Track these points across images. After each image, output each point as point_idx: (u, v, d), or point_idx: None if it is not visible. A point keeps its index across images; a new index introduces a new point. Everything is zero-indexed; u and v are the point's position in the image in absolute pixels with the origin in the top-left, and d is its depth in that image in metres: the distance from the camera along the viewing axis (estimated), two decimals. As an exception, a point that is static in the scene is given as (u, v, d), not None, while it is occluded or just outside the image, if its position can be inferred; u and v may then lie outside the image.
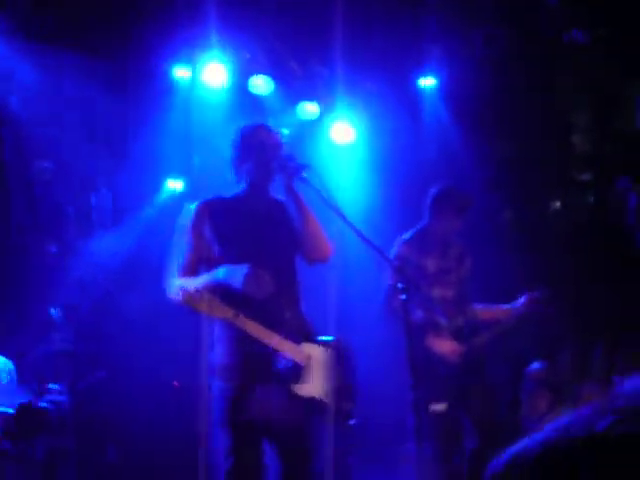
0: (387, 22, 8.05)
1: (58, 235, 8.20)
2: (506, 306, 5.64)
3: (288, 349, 3.89)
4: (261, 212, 4.12)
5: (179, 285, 3.83)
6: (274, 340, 3.85)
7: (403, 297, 3.79)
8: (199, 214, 4.06)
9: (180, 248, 4.02)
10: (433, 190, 5.66)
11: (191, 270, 3.96)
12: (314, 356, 3.99)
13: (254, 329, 3.82)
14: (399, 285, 3.81)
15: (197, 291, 3.70)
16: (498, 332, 5.50)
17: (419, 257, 5.45)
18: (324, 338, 4.11)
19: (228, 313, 3.79)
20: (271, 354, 3.87)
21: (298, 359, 3.92)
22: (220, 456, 3.87)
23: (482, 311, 5.66)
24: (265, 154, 4.02)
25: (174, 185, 8.59)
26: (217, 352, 3.98)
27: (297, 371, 3.91)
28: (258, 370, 3.88)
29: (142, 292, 7.73)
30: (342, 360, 4.11)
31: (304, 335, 4.03)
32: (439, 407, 5.14)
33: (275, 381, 3.89)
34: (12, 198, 7.91)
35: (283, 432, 3.95)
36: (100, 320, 7.86)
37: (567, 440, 1.61)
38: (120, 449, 7.31)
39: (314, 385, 3.96)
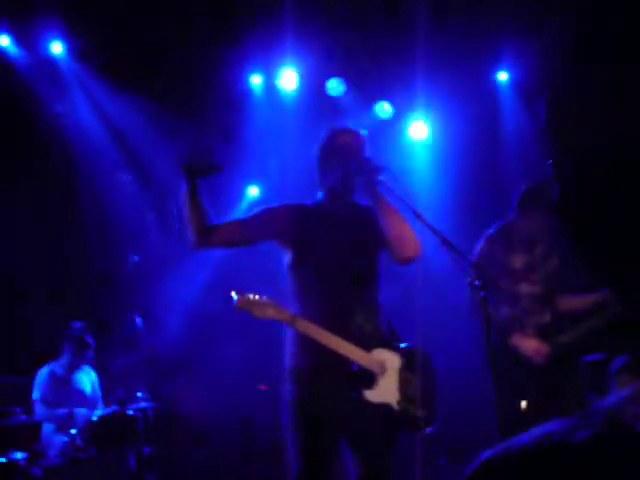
0: (461, 18, 7.97)
1: (141, 245, 8.35)
2: (594, 295, 5.52)
3: (356, 355, 3.85)
4: (342, 217, 4.09)
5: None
6: (340, 345, 3.82)
7: (482, 294, 3.73)
8: (276, 211, 4.08)
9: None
10: (522, 186, 5.57)
11: (223, 227, 4.04)
12: (388, 363, 3.94)
13: (317, 334, 3.80)
14: (477, 282, 3.76)
15: (254, 298, 3.71)
16: (585, 330, 5.38)
17: (505, 253, 5.38)
18: (402, 345, 4.07)
19: (285, 316, 3.79)
20: (342, 358, 3.85)
21: (368, 366, 3.88)
22: (291, 460, 3.85)
23: (573, 302, 5.55)
24: (347, 157, 4.01)
25: (253, 192, 8.68)
26: (287, 354, 3.97)
27: (368, 377, 3.88)
28: (329, 374, 3.84)
29: (227, 298, 7.81)
30: (419, 367, 4.05)
31: (379, 341, 3.97)
32: (522, 405, 5.05)
33: (347, 385, 3.86)
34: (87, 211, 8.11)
35: (356, 436, 3.92)
36: (184, 326, 7.98)
37: (542, 447, 1.59)
38: (203, 455, 7.38)
39: (387, 392, 3.91)
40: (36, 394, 6.84)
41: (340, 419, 3.85)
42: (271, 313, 3.75)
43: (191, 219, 3.94)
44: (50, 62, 7.80)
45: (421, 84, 8.29)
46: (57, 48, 7.72)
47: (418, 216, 3.83)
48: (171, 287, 8.25)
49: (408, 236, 3.98)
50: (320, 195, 4.15)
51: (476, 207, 7.89)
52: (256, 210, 4.13)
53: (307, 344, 3.86)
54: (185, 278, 8.31)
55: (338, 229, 4.05)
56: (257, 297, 3.75)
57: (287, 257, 4.05)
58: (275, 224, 4.03)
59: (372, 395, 3.88)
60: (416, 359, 4.05)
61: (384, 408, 3.91)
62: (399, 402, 3.95)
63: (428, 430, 4.06)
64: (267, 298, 3.76)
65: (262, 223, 4.04)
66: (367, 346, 3.91)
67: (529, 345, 5.23)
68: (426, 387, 4.06)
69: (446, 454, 7.93)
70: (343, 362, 3.83)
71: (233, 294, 3.75)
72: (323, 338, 3.81)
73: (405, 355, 4.02)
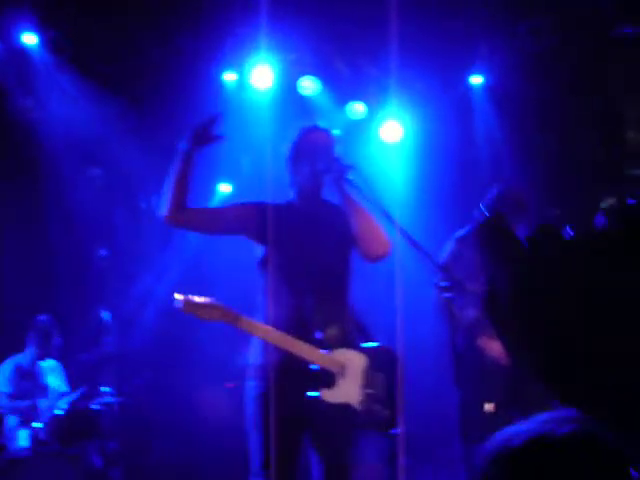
0: (435, 20, 8.00)
1: (108, 239, 8.29)
2: None
3: (311, 356, 3.85)
4: (311, 216, 4.10)
5: None
6: (292, 345, 3.81)
7: (447, 295, 3.75)
8: (248, 206, 4.09)
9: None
10: (492, 190, 5.60)
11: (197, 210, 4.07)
12: (349, 363, 3.94)
13: (263, 333, 3.80)
14: (443, 284, 3.77)
15: (199, 300, 3.69)
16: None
17: (474, 255, 5.40)
18: (366, 345, 4.06)
19: (230, 317, 3.76)
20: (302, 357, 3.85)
21: (326, 366, 3.88)
22: (251, 455, 3.86)
23: None
24: (316, 156, 4.01)
25: (224, 189, 8.65)
26: (250, 352, 3.97)
27: (327, 377, 3.87)
28: (289, 371, 3.84)
29: (199, 288, 7.78)
30: (384, 367, 4.05)
31: (343, 341, 3.95)
32: (488, 407, 5.08)
33: (305, 384, 3.85)
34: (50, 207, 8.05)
35: (317, 435, 3.93)
36: (148, 321, 7.95)
37: (527, 439, 1.62)
38: (167, 451, 7.36)
39: (347, 392, 3.91)
40: (0, 386, 6.79)
41: (300, 417, 3.85)
42: (217, 315, 3.73)
43: (174, 190, 3.98)
44: (20, 53, 7.71)
45: (395, 85, 8.30)
46: (30, 39, 7.63)
47: (387, 216, 3.84)
48: (139, 282, 8.22)
49: (376, 234, 3.99)
50: (291, 194, 4.16)
51: (447, 208, 7.92)
52: (230, 203, 4.17)
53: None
54: (153, 273, 8.28)
55: (308, 228, 4.05)
56: (202, 299, 3.73)
57: (256, 253, 4.04)
58: (246, 219, 4.03)
59: (330, 395, 3.87)
60: (382, 359, 4.05)
61: (344, 408, 3.91)
62: (361, 402, 3.94)
63: (393, 430, 4.06)
64: (213, 300, 3.74)
65: (233, 216, 4.06)
66: (328, 347, 3.90)
67: (495, 347, 5.25)
68: (392, 387, 4.06)
69: (411, 454, 7.94)
70: (303, 361, 3.83)
71: (176, 296, 3.72)
72: (273, 339, 3.80)
73: (371, 355, 4.02)
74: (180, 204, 3.97)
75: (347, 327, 4.02)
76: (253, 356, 3.96)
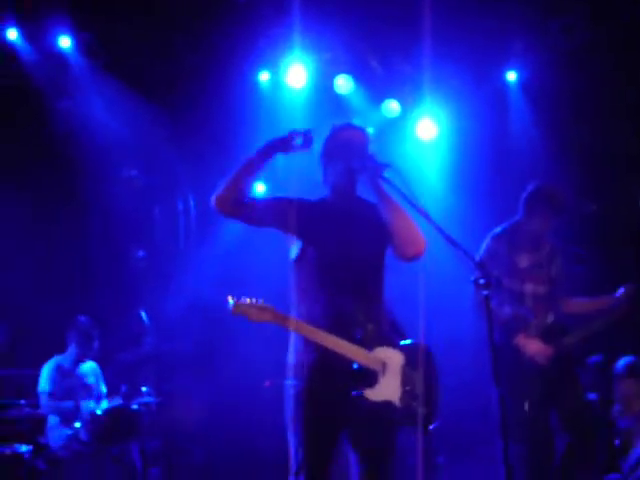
0: (469, 17, 7.96)
1: (146, 240, 8.37)
2: (605, 297, 5.52)
3: (355, 355, 3.84)
4: (346, 213, 4.07)
5: None
6: (337, 345, 3.80)
7: (485, 293, 3.73)
8: (287, 201, 4.03)
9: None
10: (531, 187, 5.58)
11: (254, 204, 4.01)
12: (389, 361, 3.93)
13: (312, 334, 3.79)
14: (481, 281, 3.75)
15: (250, 302, 3.70)
16: (589, 332, 5.39)
17: (510, 252, 5.40)
18: (404, 342, 4.06)
19: (280, 319, 3.76)
20: (344, 356, 3.85)
21: (369, 364, 3.87)
22: (292, 453, 3.84)
23: (582, 304, 5.56)
24: (350, 154, 4.00)
25: (259, 188, 8.68)
26: (291, 350, 3.96)
27: (369, 376, 3.87)
28: (330, 371, 3.83)
29: (232, 292, 7.80)
30: (422, 364, 4.04)
31: (381, 339, 3.96)
32: (527, 405, 5.07)
33: (347, 384, 3.84)
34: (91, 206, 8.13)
35: (357, 434, 3.91)
36: (188, 321, 7.99)
37: None
38: (206, 450, 7.39)
39: (388, 389, 3.90)
40: (42, 387, 6.88)
41: (340, 416, 3.85)
42: (267, 317, 3.74)
43: (241, 182, 3.93)
44: (58, 56, 7.79)
45: (429, 83, 8.30)
46: (65, 42, 7.71)
47: (423, 214, 3.82)
48: (176, 282, 8.26)
49: (412, 233, 3.97)
50: (325, 191, 4.15)
51: (483, 205, 7.89)
52: (272, 196, 4.14)
53: (310, 340, 3.85)
54: (190, 272, 8.33)
55: (344, 225, 4.04)
56: (253, 301, 3.74)
57: (292, 251, 4.05)
58: (285, 214, 4.00)
59: (373, 394, 3.87)
60: (418, 355, 4.04)
61: (386, 406, 3.91)
62: (401, 399, 3.95)
63: (430, 426, 4.06)
64: (263, 302, 3.75)
65: (275, 210, 4.03)
66: (368, 345, 3.90)
67: (533, 347, 5.24)
68: (428, 383, 4.06)
69: (445, 453, 7.93)
70: (345, 360, 3.83)
71: (229, 299, 3.74)
72: (319, 338, 3.80)
73: (407, 352, 4.01)
74: (241, 197, 3.95)
75: (384, 324, 4.02)
76: (292, 355, 3.95)
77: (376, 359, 3.90)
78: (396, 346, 4.00)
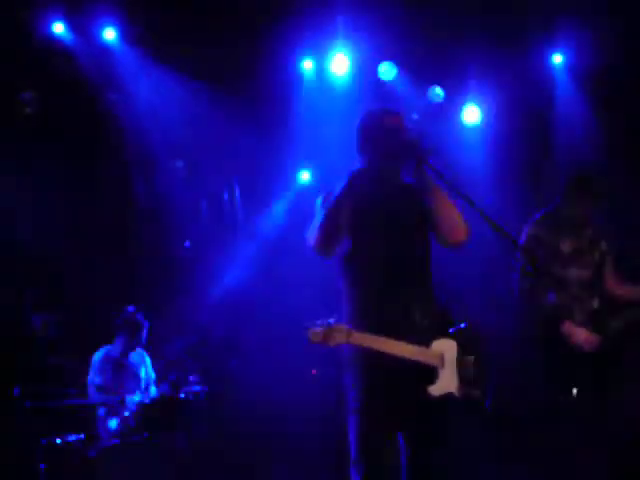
0: (515, 1, 7.88)
1: (192, 230, 8.42)
2: None
3: (417, 355, 3.80)
4: (391, 203, 4.01)
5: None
6: (398, 349, 3.75)
7: (531, 279, 3.69)
8: (346, 190, 3.88)
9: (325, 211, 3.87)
10: (572, 174, 5.52)
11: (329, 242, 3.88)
12: (446, 352, 3.90)
13: (374, 343, 3.73)
14: (527, 267, 3.71)
15: (323, 329, 3.65)
16: (636, 317, 5.31)
17: (552, 237, 5.33)
18: (455, 328, 4.02)
19: (346, 335, 3.69)
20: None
21: (430, 362, 3.84)
22: (351, 441, 3.81)
23: (631, 289, 5.49)
24: (387, 138, 3.92)
25: (304, 177, 8.71)
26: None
27: (430, 373, 3.84)
28: (393, 365, 3.75)
29: (280, 279, 7.83)
30: (472, 348, 4.01)
31: (436, 331, 3.92)
32: (573, 392, 5.02)
33: (411, 386, 3.81)
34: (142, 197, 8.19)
35: (417, 434, 3.85)
36: (235, 310, 8.03)
37: None
38: (254, 438, 7.41)
39: (448, 382, 3.88)
40: (91, 377, 6.94)
41: (404, 411, 3.81)
42: (340, 339, 3.70)
43: (330, 232, 3.86)
44: (104, 48, 7.86)
45: (474, 68, 8.23)
46: (110, 34, 7.78)
47: (468, 200, 3.77)
48: (223, 271, 8.30)
49: (456, 221, 3.92)
50: (365, 180, 4.01)
51: (529, 192, 7.81)
52: (329, 205, 3.89)
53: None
54: (237, 262, 8.36)
55: (391, 217, 3.97)
56: (325, 327, 3.66)
57: (342, 247, 3.95)
58: (346, 220, 3.92)
59: (435, 390, 3.85)
60: (469, 340, 3.99)
61: (447, 398, 3.88)
62: (459, 388, 3.91)
63: (486, 405, 4.02)
64: (333, 322, 3.69)
65: (341, 220, 3.90)
66: (426, 340, 3.87)
67: (579, 335, 5.18)
68: (481, 366, 4.01)
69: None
70: (407, 360, 3.79)
71: (308, 332, 3.69)
72: (380, 346, 3.74)
73: (460, 338, 3.97)
74: (336, 243, 3.90)
75: (436, 314, 3.97)
76: (350, 348, 3.84)
77: (435, 354, 3.87)
78: (449, 334, 3.96)
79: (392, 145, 3.91)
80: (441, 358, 3.88)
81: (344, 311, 3.92)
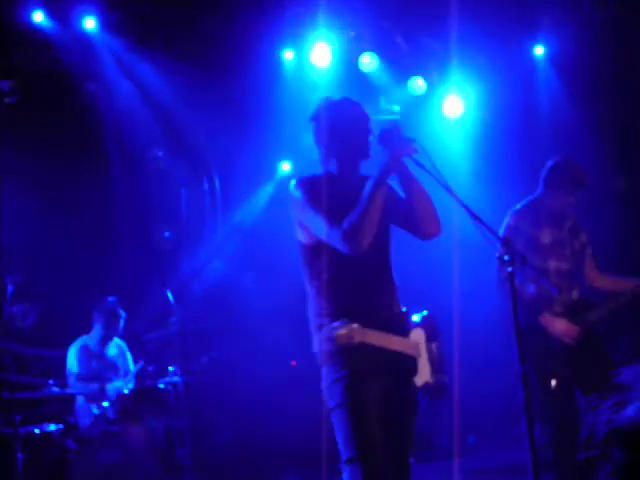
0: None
1: (172, 220, 8.39)
2: (636, 280, 5.42)
3: (401, 346, 3.74)
4: (357, 192, 3.80)
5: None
6: (389, 342, 3.68)
7: (510, 270, 3.68)
8: (311, 186, 3.78)
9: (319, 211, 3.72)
10: (550, 162, 5.51)
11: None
12: (420, 342, 3.87)
13: (372, 339, 3.66)
14: (506, 257, 3.69)
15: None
16: (614, 307, 5.32)
17: (532, 228, 5.33)
18: (418, 317, 4.00)
19: (360, 336, 3.65)
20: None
21: (412, 353, 3.78)
22: (340, 440, 3.69)
23: (611, 281, 5.49)
24: (354, 130, 3.81)
25: (285, 167, 8.70)
26: (323, 336, 3.73)
27: (414, 365, 3.79)
28: (375, 354, 3.67)
29: (257, 272, 7.83)
30: (435, 333, 3.99)
31: (408, 322, 3.88)
32: (552, 383, 5.03)
33: (390, 372, 3.73)
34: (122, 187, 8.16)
35: (394, 421, 3.75)
36: (213, 300, 8.01)
37: None
38: (232, 429, 7.41)
39: (425, 371, 3.88)
40: (70, 367, 6.93)
41: (389, 401, 3.72)
42: (359, 337, 3.64)
43: (375, 217, 3.69)
44: (84, 37, 7.81)
45: (456, 59, 8.23)
46: (90, 23, 7.71)
47: (448, 190, 3.75)
48: (202, 262, 8.29)
49: (432, 213, 3.88)
50: (329, 172, 3.90)
51: (511, 183, 7.82)
52: (314, 193, 3.78)
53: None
54: (216, 253, 8.35)
55: (352, 203, 3.78)
56: (348, 327, 3.62)
57: (304, 235, 3.82)
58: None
59: (418, 380, 3.83)
60: (431, 327, 3.98)
61: (425, 387, 3.88)
62: (432, 376, 3.91)
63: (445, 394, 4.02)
64: (347, 322, 3.66)
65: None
66: (406, 332, 3.84)
67: (559, 326, 5.19)
68: (442, 351, 4.01)
69: (476, 431, 7.94)
70: (384, 347, 3.73)
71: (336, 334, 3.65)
72: (380, 341, 3.69)
73: (424, 327, 3.96)
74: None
75: (401, 306, 3.94)
76: (329, 342, 3.73)
77: (413, 344, 3.83)
78: (416, 324, 3.95)
79: (359, 137, 3.84)
80: (417, 348, 3.87)
81: (317, 303, 3.79)
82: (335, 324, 3.63)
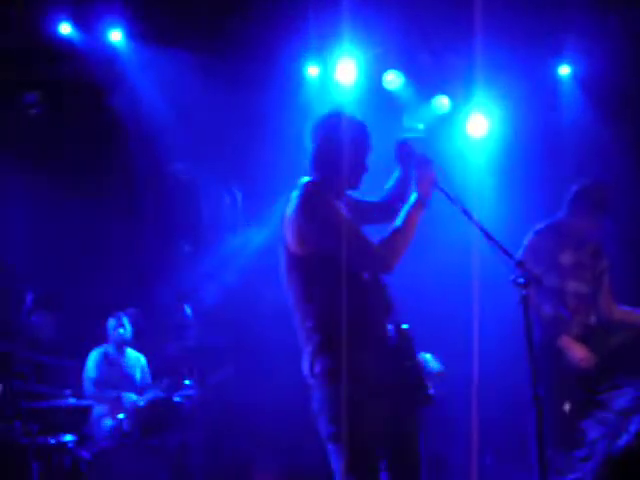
0: (521, 10, 7.85)
1: (192, 234, 8.40)
2: None
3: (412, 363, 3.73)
4: (352, 206, 3.85)
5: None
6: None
7: (524, 292, 3.65)
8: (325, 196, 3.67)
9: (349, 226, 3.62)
10: (576, 186, 5.47)
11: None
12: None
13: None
14: (520, 280, 3.67)
15: None
16: (634, 334, 5.26)
17: (553, 249, 5.30)
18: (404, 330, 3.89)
19: None
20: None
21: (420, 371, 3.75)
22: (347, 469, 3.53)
23: (628, 313, 5.43)
24: (360, 150, 3.77)
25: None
26: (322, 353, 3.64)
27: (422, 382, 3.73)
28: (377, 370, 3.59)
29: (273, 287, 7.80)
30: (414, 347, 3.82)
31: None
32: (566, 407, 4.98)
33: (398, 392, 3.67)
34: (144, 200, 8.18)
35: (399, 443, 3.70)
36: (231, 315, 8.00)
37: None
38: (248, 444, 7.39)
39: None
40: (87, 373, 6.99)
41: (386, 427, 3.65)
42: None
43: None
44: (110, 50, 7.86)
45: (481, 78, 8.19)
46: (116, 36, 7.76)
47: (465, 212, 3.72)
48: (222, 277, 8.28)
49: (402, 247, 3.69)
50: (321, 186, 3.78)
51: (535, 204, 7.77)
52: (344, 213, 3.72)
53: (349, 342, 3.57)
54: (236, 268, 8.34)
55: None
56: None
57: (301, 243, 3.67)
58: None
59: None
60: (412, 339, 3.86)
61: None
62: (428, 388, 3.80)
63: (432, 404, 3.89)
64: None
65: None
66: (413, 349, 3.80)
67: (577, 352, 5.14)
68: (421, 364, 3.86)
69: (491, 453, 7.85)
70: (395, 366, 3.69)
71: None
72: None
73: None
74: None
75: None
76: (328, 360, 3.62)
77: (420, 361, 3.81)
78: None
79: (361, 158, 3.79)
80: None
81: (324, 315, 3.66)
82: None
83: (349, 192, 3.93)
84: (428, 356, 3.89)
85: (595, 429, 4.64)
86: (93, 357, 7.05)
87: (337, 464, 3.58)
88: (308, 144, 3.98)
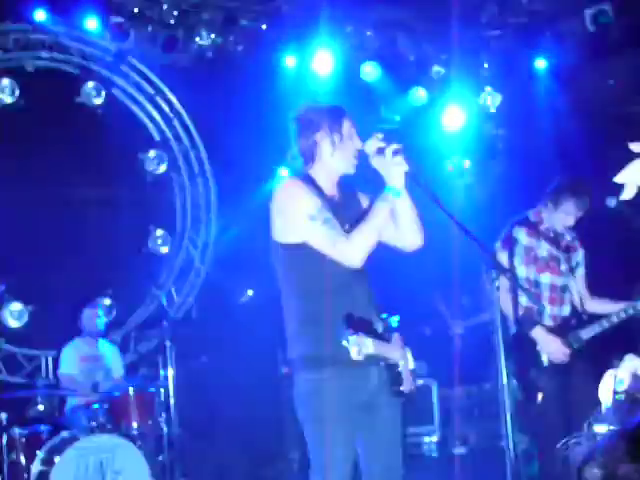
0: (499, 5, 7.89)
1: (166, 225, 8.37)
2: (625, 303, 5.39)
3: (393, 353, 3.72)
4: (348, 205, 3.86)
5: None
6: (385, 350, 3.66)
7: (496, 284, 3.67)
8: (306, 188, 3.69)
9: (320, 216, 3.62)
10: (556, 180, 5.51)
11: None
12: (401, 346, 3.82)
13: (379, 348, 3.60)
14: (493, 272, 3.68)
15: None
16: (607, 326, 5.29)
17: (530, 240, 5.34)
18: (395, 322, 3.91)
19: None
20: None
21: (397, 359, 3.73)
22: (313, 451, 3.61)
23: (602, 304, 5.47)
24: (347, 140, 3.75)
25: (283, 173, 8.67)
26: (302, 341, 3.64)
27: (399, 371, 3.74)
28: (354, 361, 3.51)
29: (247, 280, 7.82)
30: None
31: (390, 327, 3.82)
32: (538, 397, 5.00)
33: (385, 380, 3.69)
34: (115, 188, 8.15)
35: (376, 431, 3.71)
36: (207, 305, 8.00)
37: None
38: (224, 434, 7.40)
39: (407, 377, 3.76)
40: (62, 369, 6.93)
41: (363, 415, 3.67)
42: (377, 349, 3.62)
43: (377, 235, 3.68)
44: (85, 37, 7.83)
45: (457, 70, 8.23)
46: (92, 24, 7.69)
47: (437, 203, 3.71)
48: (197, 269, 8.28)
49: (419, 224, 3.85)
50: (311, 172, 3.83)
51: (510, 195, 7.81)
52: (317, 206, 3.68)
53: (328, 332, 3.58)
54: (211, 260, 8.33)
55: (345, 216, 3.79)
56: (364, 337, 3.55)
57: (288, 235, 3.71)
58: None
59: (406, 386, 3.77)
60: (392, 330, 3.87)
61: (410, 394, 3.82)
62: (410, 381, 3.82)
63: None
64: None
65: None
66: (390, 337, 3.80)
67: (551, 344, 5.16)
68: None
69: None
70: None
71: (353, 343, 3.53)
72: (380, 350, 3.64)
73: (399, 332, 3.89)
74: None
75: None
76: (306, 346, 3.64)
77: (397, 349, 3.80)
78: (394, 329, 3.87)
79: (349, 148, 3.78)
80: (405, 354, 3.84)
81: (298, 307, 3.72)
82: (346, 333, 3.52)
83: (361, 189, 3.96)
84: (408, 353, 3.88)
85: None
86: (67, 352, 6.98)
87: (309, 446, 3.65)
88: (291, 136, 3.97)
